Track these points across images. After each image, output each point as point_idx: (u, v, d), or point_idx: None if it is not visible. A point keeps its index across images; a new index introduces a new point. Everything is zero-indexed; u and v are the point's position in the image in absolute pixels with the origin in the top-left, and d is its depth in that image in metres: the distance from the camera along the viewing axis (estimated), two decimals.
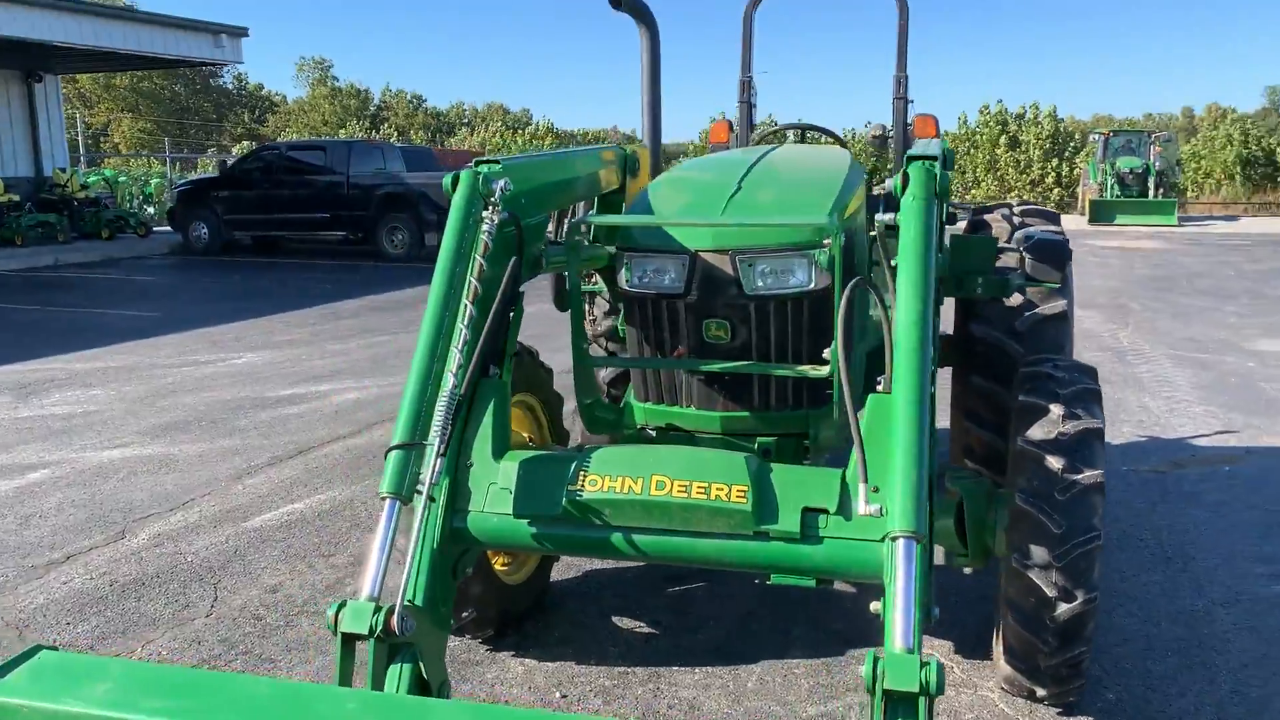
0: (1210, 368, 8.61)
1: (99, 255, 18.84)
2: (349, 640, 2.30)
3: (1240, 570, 4.38)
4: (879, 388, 2.70)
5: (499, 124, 52.93)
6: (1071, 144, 35.96)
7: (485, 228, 2.90)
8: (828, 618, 3.93)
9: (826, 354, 3.11)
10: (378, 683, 2.33)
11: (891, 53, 5.41)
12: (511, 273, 3.03)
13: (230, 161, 21.74)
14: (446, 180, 2.99)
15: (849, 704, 3.34)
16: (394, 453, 2.54)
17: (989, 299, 3.90)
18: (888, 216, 2.80)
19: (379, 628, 2.29)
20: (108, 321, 11.53)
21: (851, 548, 2.59)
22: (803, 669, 3.56)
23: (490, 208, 2.93)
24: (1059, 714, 3.25)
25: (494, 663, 3.62)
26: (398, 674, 2.38)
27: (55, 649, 2.03)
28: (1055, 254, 3.96)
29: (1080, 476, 2.92)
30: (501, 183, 2.96)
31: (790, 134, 5.54)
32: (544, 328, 4.78)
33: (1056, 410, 3.05)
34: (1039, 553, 2.90)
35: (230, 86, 66.74)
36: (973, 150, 35.19)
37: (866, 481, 2.43)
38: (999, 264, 3.92)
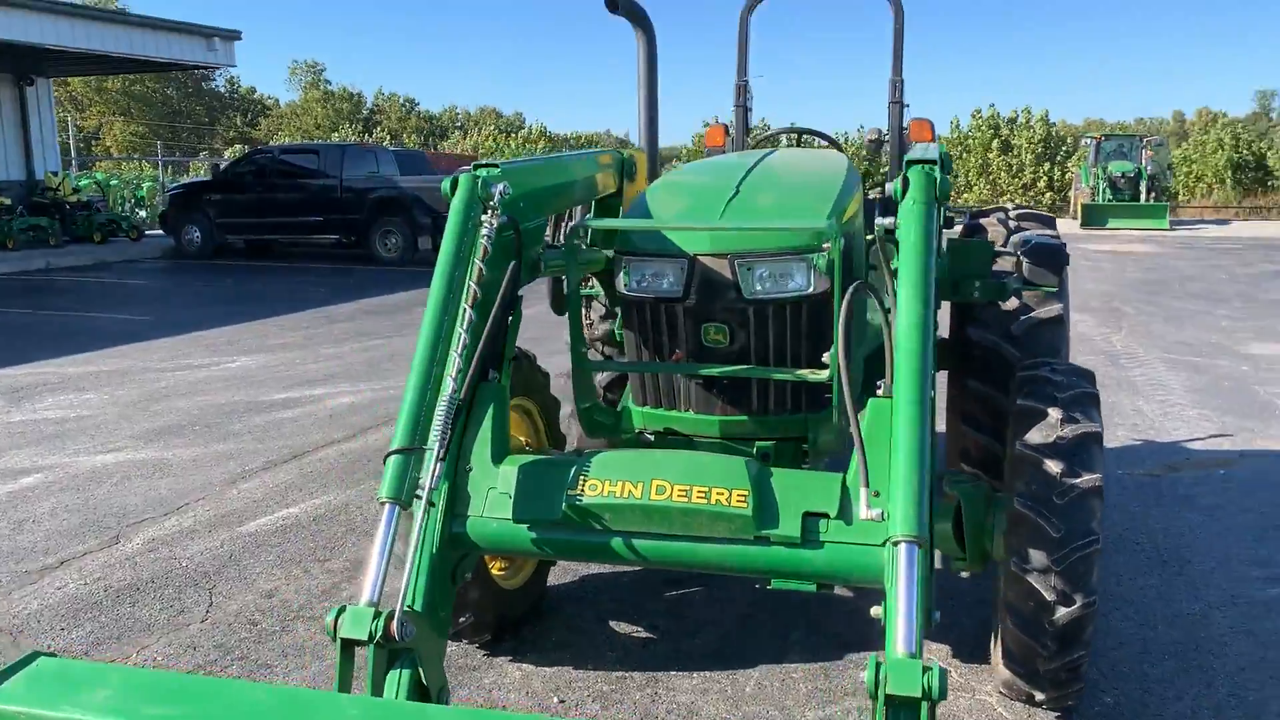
0: (1204, 371, 8.64)
1: (91, 259, 18.79)
2: (348, 646, 2.29)
3: (1236, 573, 4.39)
4: (879, 392, 2.70)
5: (492, 127, 52.90)
6: (1063, 148, 36.09)
7: (484, 231, 2.89)
8: (825, 622, 3.93)
9: (826, 358, 3.11)
10: (377, 688, 2.32)
11: (883, 57, 5.41)
12: (510, 277, 3.02)
13: (223, 165, 21.67)
14: (445, 184, 2.99)
15: (847, 708, 3.33)
16: (393, 457, 2.53)
17: (986, 303, 3.90)
18: (888, 221, 2.80)
19: (379, 633, 2.27)
20: (100, 325, 11.49)
21: (852, 552, 2.59)
22: (801, 673, 3.56)
23: (489, 211, 2.93)
24: (1057, 718, 3.25)
25: (491, 668, 3.61)
26: (397, 680, 2.36)
27: (53, 655, 2.01)
28: (1053, 258, 3.96)
29: (1079, 480, 2.92)
30: (500, 186, 2.95)
31: (786, 138, 5.55)
32: (539, 331, 4.78)
33: (1055, 414, 3.05)
34: (1038, 557, 2.90)
35: (223, 90, 66.64)
36: (965, 154, 35.31)
37: (868, 486, 2.42)
38: (995, 268, 3.93)
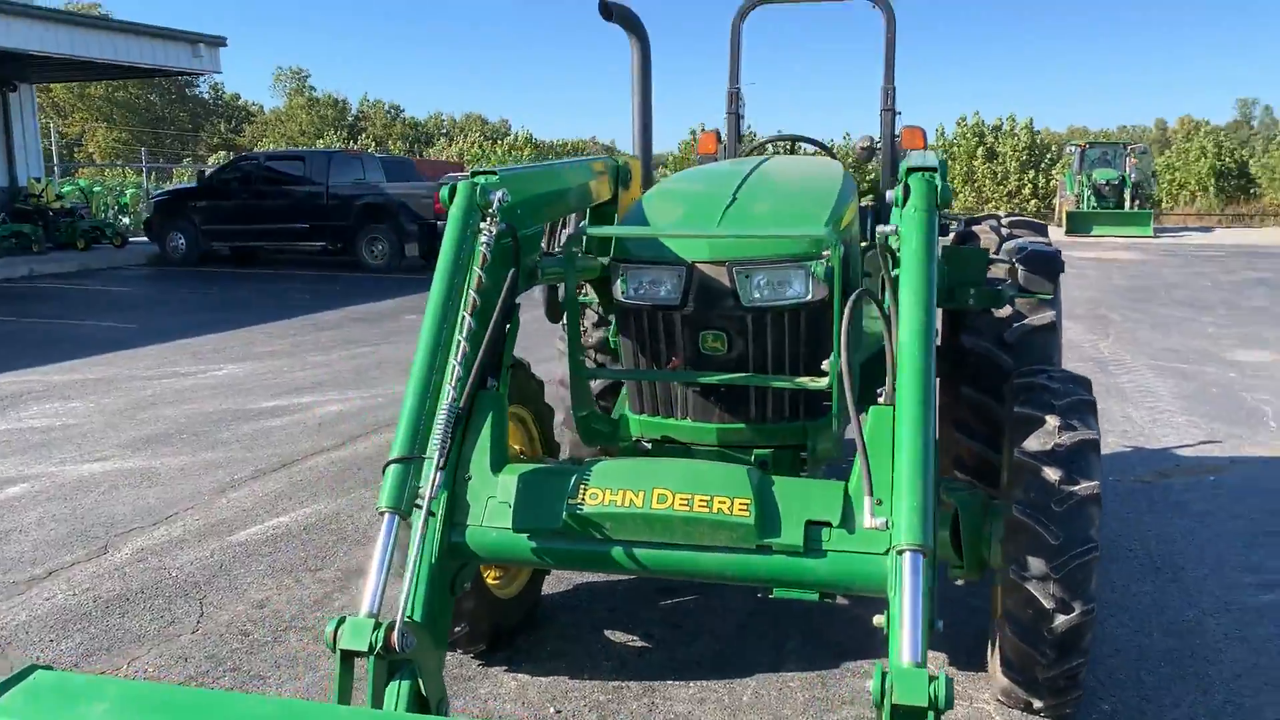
0: (1191, 378, 8.68)
1: (75, 266, 18.66)
2: (348, 657, 2.26)
3: (1229, 580, 4.40)
4: (880, 399, 2.69)
5: (477, 134, 52.96)
6: (1048, 156, 36.32)
7: (483, 239, 2.87)
8: (822, 630, 3.92)
9: (825, 365, 3.10)
10: (377, 700, 2.30)
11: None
12: (509, 284, 3.01)
13: (208, 171, 21.55)
14: (444, 191, 2.97)
15: (845, 717, 3.32)
16: (393, 466, 2.50)
17: (979, 310, 3.91)
18: (889, 228, 2.79)
19: (379, 644, 2.25)
20: (85, 333, 11.41)
21: (855, 561, 2.58)
22: (798, 682, 3.55)
23: (488, 219, 2.91)
24: None
25: (487, 678, 3.59)
26: (397, 691, 2.34)
27: (50, 668, 1.98)
28: (1048, 265, 3.98)
29: (1077, 488, 2.92)
30: (499, 194, 2.94)
31: (778, 145, 5.55)
32: (528, 339, 4.75)
33: (1052, 421, 3.05)
34: (1036, 564, 2.90)
35: (206, 96, 66.42)
36: (950, 162, 35.50)
37: (871, 494, 2.41)
38: (988, 275, 3.93)
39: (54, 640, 3.90)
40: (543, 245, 3.61)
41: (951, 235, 4.47)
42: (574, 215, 4.08)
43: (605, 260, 3.44)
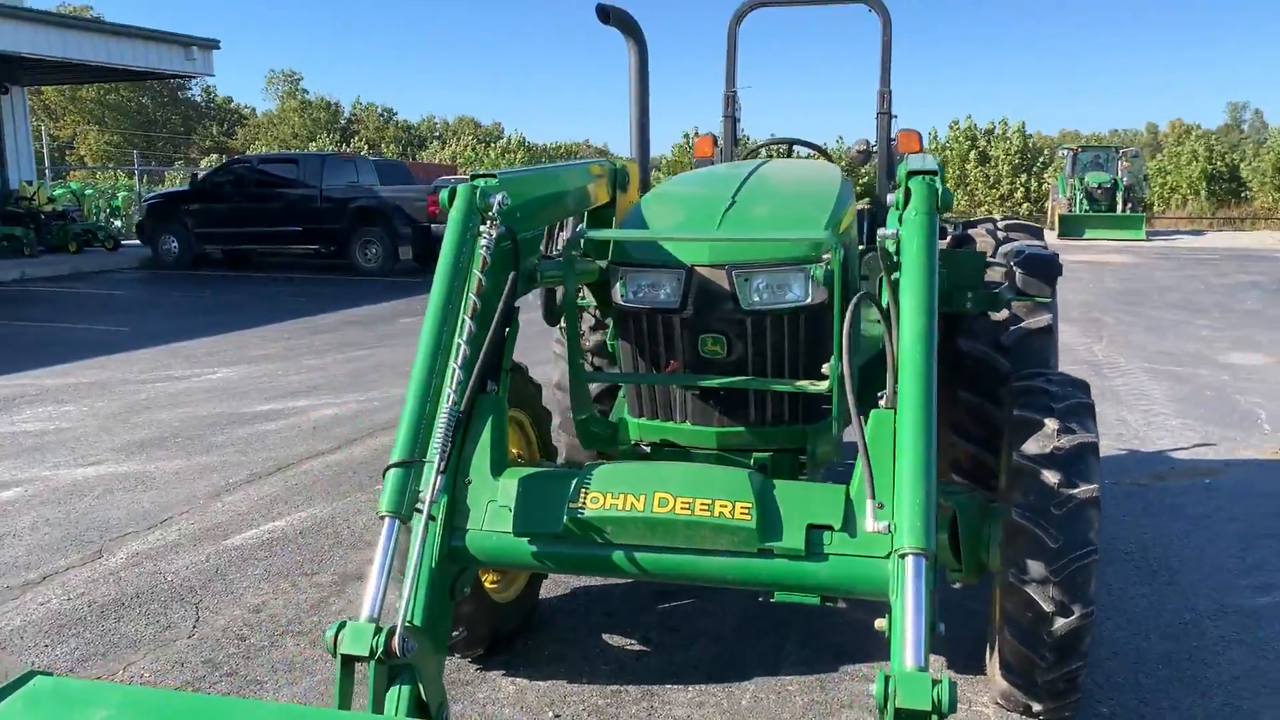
0: (1185, 381, 8.70)
1: (67, 269, 18.59)
2: (349, 662, 2.25)
3: (1225, 583, 4.41)
4: (881, 403, 2.69)
5: (470, 137, 52.94)
6: (1040, 159, 36.41)
7: (483, 242, 2.87)
8: (820, 633, 3.92)
9: (825, 368, 3.10)
10: (378, 705, 2.29)
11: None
12: (509, 288, 3.00)
13: (201, 174, 21.51)
14: (444, 195, 2.96)
15: None
16: (393, 470, 2.49)
17: (977, 313, 3.91)
18: (889, 231, 2.79)
19: (380, 649, 2.24)
20: (77, 336, 11.37)
21: (857, 565, 2.58)
22: (796, 685, 3.54)
23: (488, 222, 2.90)
24: None
25: (485, 682, 3.58)
26: (397, 696, 2.33)
27: (49, 674, 1.97)
28: (1046, 269, 3.98)
29: (1076, 491, 2.93)
30: (499, 197, 2.93)
31: (774, 149, 5.55)
32: (522, 342, 4.75)
33: (1052, 425, 3.05)
34: (1036, 567, 2.90)
35: (199, 99, 66.30)
36: (942, 165, 35.58)
37: (874, 498, 2.41)
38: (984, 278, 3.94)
39: (49, 645, 3.88)
40: (540, 248, 3.60)
41: (948, 239, 4.47)
42: (572, 218, 4.08)
43: (603, 263, 3.44)
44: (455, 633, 3.47)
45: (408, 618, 2.39)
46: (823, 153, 5.47)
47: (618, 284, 3.28)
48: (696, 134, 5.61)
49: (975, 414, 4.01)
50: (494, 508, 2.80)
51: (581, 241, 3.41)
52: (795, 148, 5.78)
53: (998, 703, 3.26)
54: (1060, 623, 2.89)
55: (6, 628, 4.03)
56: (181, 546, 4.91)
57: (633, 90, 4.51)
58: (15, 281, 17.10)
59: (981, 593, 3.76)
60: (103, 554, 4.82)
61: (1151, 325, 12.06)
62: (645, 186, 4.51)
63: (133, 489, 5.80)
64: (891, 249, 2.80)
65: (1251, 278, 17.59)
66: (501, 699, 3.46)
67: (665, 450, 3.44)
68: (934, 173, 2.86)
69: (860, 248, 4.10)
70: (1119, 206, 27.97)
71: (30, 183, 21.81)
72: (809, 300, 3.11)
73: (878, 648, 3.72)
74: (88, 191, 25.19)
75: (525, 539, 2.78)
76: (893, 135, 5.29)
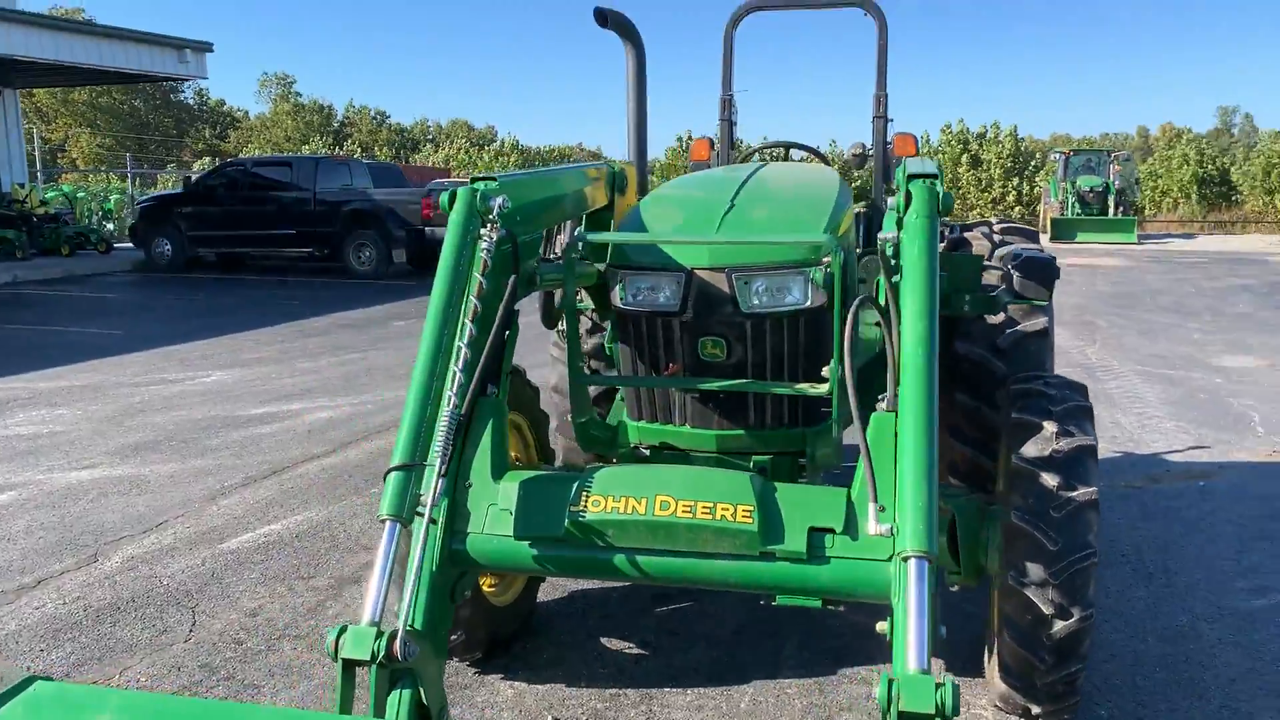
0: (1178, 383, 8.73)
1: (60, 272, 18.54)
2: (350, 666, 2.25)
3: (1221, 585, 4.42)
4: (881, 406, 2.69)
5: (464, 140, 52.87)
6: (1032, 163, 36.52)
7: (484, 245, 2.86)
8: (819, 637, 3.91)
9: (824, 371, 3.10)
10: (379, 710, 2.28)
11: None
12: (509, 290, 3.00)
13: (194, 177, 21.46)
14: (444, 198, 2.96)
15: None
16: (394, 474, 2.49)
17: (973, 316, 3.92)
18: (889, 234, 2.80)
19: (381, 653, 2.24)
20: (71, 339, 11.33)
21: (859, 568, 2.58)
22: (795, 689, 3.54)
23: (488, 225, 2.90)
24: None
25: (483, 686, 3.57)
26: (398, 700, 2.33)
27: (49, 679, 1.96)
28: (1044, 272, 3.98)
29: (1075, 494, 2.93)
30: (499, 200, 2.93)
31: (772, 152, 5.55)
32: (519, 345, 4.75)
33: (1050, 427, 3.05)
34: (1035, 570, 2.90)
35: (191, 102, 66.16)
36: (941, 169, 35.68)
37: (876, 501, 2.41)
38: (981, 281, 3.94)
39: (44, 650, 3.86)
40: (539, 251, 3.60)
41: (944, 242, 4.48)
42: (570, 222, 4.07)
43: (602, 266, 3.44)
44: (453, 636, 3.47)
45: (409, 622, 2.38)
46: (819, 156, 5.48)
47: (617, 287, 3.28)
48: (690, 137, 5.60)
49: (972, 417, 4.02)
50: (495, 511, 2.79)
51: (580, 244, 3.41)
52: (792, 151, 5.78)
53: (996, 705, 3.26)
54: (1059, 625, 2.89)
55: (2, 632, 4.01)
56: (177, 550, 4.89)
57: (630, 94, 4.51)
58: (7, 285, 17.04)
59: (979, 595, 3.77)
60: (98, 558, 4.80)
61: (1144, 328, 12.09)
62: (643, 190, 4.51)
63: (127, 492, 5.78)
64: (891, 252, 2.81)
65: (1242, 281, 17.66)
66: (500, 703, 3.46)
67: (665, 453, 3.44)
68: (934, 176, 2.86)
69: (857, 251, 4.10)
70: (1111, 210, 28.08)
71: (22, 185, 21.74)
72: (808, 303, 3.11)
73: (876, 651, 3.74)
74: (80, 194, 25.09)
75: (526, 542, 2.77)
76: (889, 139, 5.30)
